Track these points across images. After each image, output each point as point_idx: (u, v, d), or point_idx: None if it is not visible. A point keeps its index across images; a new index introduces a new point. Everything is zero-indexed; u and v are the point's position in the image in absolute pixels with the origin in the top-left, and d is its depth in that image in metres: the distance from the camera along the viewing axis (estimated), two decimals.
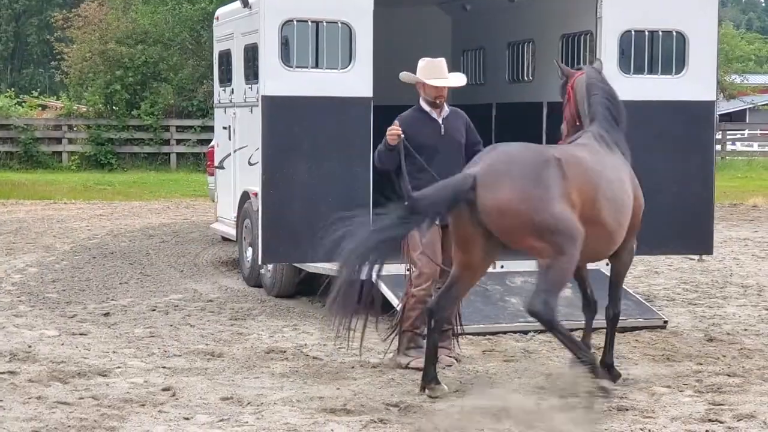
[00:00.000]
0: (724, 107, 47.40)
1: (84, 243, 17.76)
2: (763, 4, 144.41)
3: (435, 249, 9.33)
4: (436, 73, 9.58)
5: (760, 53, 55.00)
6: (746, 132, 44.41)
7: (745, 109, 63.12)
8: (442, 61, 9.70)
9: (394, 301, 10.81)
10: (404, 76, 9.72)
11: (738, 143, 39.44)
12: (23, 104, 37.94)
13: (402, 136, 9.27)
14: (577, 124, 9.40)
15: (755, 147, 40.70)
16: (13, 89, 42.42)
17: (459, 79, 9.92)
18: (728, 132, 39.61)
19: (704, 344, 10.53)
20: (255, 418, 7.78)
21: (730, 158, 37.11)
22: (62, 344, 10.17)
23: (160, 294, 13.07)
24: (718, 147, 31.46)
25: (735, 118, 59.98)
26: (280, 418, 7.77)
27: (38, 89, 46.28)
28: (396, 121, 9.41)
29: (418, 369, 8.99)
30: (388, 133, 9.32)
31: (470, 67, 15.43)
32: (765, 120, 62.68)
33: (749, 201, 25.65)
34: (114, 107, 33.81)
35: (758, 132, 45.40)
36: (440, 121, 9.58)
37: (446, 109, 9.66)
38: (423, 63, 9.63)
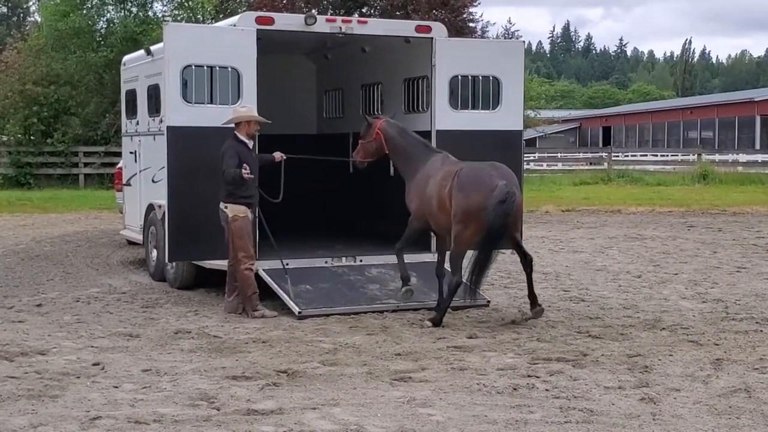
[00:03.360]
0: None
1: (12, 248, 17.24)
2: (548, 55, 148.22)
3: (251, 237, 10.83)
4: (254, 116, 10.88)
5: (547, 93, 56.45)
6: (536, 155, 45.45)
7: (536, 137, 64.84)
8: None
9: (275, 288, 10.89)
10: (245, 117, 10.70)
11: (531, 163, 40.29)
12: None
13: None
14: (386, 152, 10.96)
15: (544, 166, 41.74)
16: None
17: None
18: (524, 154, 40.45)
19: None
20: (172, 384, 7.69)
21: (525, 175, 37.80)
22: (5, 330, 9.90)
23: (81, 288, 12.79)
24: None
25: (528, 143, 61.52)
26: (193, 384, 7.70)
27: None
28: (246, 168, 10.48)
29: (271, 316, 10.49)
30: (245, 173, 10.44)
31: (331, 104, 15.49)
32: (551, 145, 64.44)
33: (542, 208, 26.42)
34: (31, 137, 33.29)
35: (546, 154, 46.64)
36: (251, 147, 10.79)
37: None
38: (245, 109, 10.84)
